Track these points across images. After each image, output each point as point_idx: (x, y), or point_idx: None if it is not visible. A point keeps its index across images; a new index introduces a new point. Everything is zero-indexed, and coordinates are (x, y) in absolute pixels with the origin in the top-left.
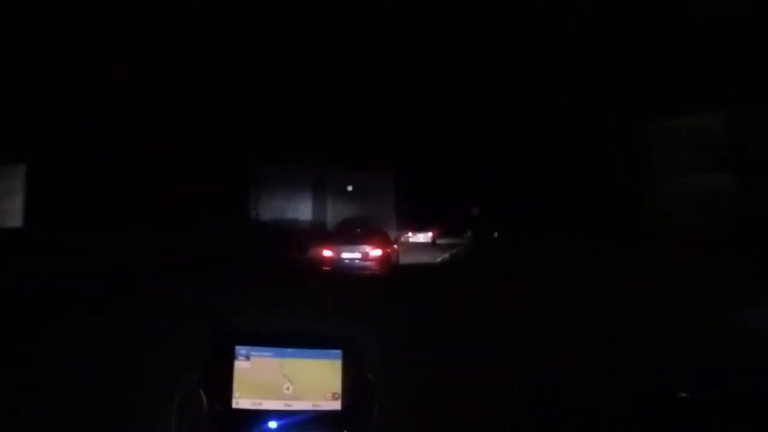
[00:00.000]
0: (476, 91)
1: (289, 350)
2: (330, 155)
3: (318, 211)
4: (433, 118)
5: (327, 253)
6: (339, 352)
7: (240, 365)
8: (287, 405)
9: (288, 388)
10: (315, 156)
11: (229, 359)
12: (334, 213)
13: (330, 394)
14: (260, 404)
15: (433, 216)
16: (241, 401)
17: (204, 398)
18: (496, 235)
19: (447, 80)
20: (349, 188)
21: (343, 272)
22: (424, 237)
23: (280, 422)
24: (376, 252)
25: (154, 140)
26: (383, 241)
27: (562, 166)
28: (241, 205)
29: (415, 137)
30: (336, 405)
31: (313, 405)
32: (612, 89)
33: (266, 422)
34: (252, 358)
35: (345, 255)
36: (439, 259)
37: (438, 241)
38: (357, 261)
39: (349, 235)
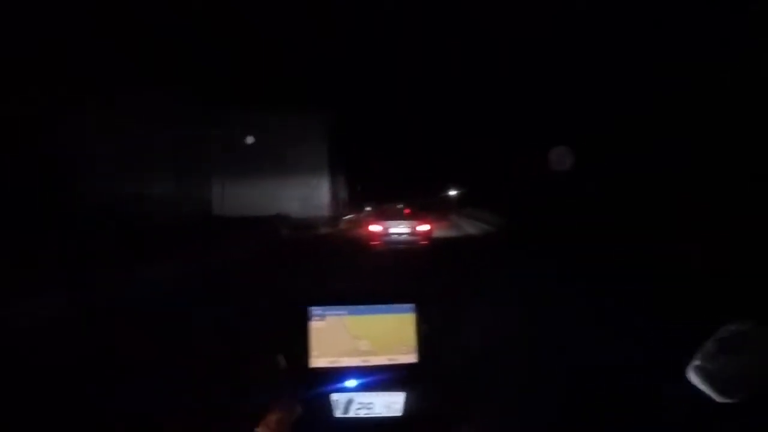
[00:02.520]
0: None
1: (362, 307)
2: (215, 88)
3: (187, 182)
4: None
5: (375, 228)
6: (412, 305)
7: (315, 325)
8: (364, 361)
9: (364, 345)
10: (179, 90)
11: (305, 321)
12: (222, 184)
13: (405, 348)
14: (337, 362)
15: (402, 182)
16: (318, 360)
17: (282, 360)
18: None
19: None
20: (249, 140)
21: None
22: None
23: (358, 378)
24: (423, 227)
25: None
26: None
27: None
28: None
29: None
30: (412, 357)
31: (389, 359)
32: None
33: (344, 379)
34: (327, 318)
35: (393, 230)
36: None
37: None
38: (405, 236)
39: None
